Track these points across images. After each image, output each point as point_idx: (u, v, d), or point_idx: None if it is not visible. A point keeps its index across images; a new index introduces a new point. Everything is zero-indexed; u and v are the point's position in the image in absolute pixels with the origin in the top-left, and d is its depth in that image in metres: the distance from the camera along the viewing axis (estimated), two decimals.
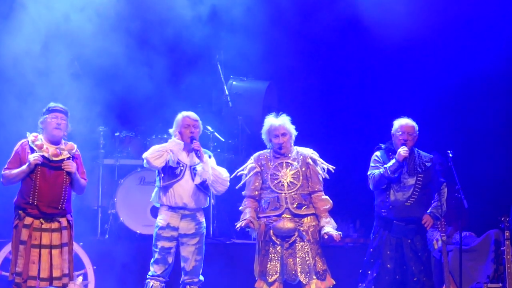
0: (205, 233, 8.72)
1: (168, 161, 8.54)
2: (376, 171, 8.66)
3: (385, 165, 8.63)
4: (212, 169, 8.58)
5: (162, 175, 8.60)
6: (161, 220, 8.61)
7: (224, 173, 8.69)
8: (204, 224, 8.71)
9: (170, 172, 8.58)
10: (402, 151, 8.56)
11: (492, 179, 11.49)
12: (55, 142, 8.23)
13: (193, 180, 8.57)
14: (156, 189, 8.71)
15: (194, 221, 8.63)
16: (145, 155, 8.59)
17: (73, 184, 8.28)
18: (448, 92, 11.71)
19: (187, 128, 8.63)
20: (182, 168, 8.60)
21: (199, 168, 8.57)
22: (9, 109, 10.40)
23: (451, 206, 9.39)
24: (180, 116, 8.72)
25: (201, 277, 8.67)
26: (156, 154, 8.52)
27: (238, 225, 8.48)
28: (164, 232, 8.57)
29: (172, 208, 8.59)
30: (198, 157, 8.55)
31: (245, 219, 8.42)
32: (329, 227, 8.38)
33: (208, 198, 8.73)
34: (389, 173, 8.57)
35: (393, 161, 8.59)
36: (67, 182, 8.23)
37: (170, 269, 8.60)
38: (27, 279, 8.09)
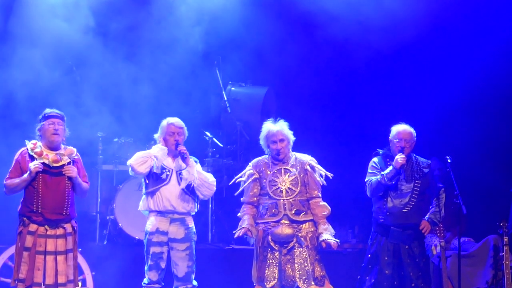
0: (195, 238, 8.72)
1: (153, 167, 8.56)
2: (374, 178, 8.66)
3: (382, 172, 8.63)
4: (198, 173, 8.60)
5: (147, 181, 8.62)
6: (149, 225, 8.63)
7: (210, 177, 8.71)
8: (194, 230, 8.72)
9: (156, 178, 8.59)
10: (400, 158, 8.56)
11: (491, 185, 11.48)
12: (54, 148, 8.24)
13: (179, 184, 8.58)
14: (143, 197, 8.73)
15: (183, 225, 8.64)
16: (129, 162, 8.61)
17: (75, 188, 8.30)
18: (447, 97, 11.70)
19: (172, 136, 8.64)
20: (168, 173, 8.61)
21: (184, 172, 8.58)
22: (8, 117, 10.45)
23: (449, 212, 9.39)
24: (165, 122, 8.72)
25: (195, 282, 8.67)
26: (140, 160, 8.54)
27: (236, 234, 8.47)
28: (153, 237, 8.59)
29: (161, 213, 8.60)
30: (184, 159, 8.56)
31: (242, 227, 8.41)
32: (327, 235, 8.37)
33: (196, 203, 8.74)
34: (386, 180, 8.57)
35: (390, 168, 8.59)
36: (69, 187, 8.25)
37: (163, 274, 8.62)
38: (32, 286, 8.10)
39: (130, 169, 8.60)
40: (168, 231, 8.60)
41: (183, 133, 8.69)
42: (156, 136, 8.74)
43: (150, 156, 8.57)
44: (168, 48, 11.20)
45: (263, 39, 11.40)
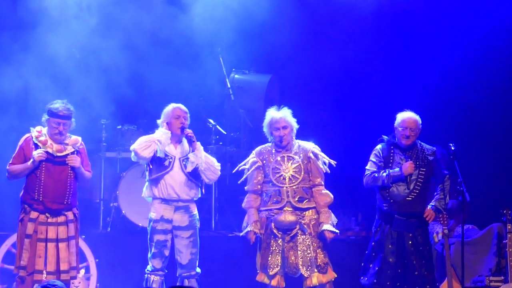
0: (198, 225, 8.75)
1: (156, 151, 8.54)
2: (376, 175, 8.58)
3: (388, 171, 8.54)
4: (205, 157, 8.60)
5: (151, 166, 8.61)
6: (154, 213, 8.63)
7: (216, 161, 8.71)
8: (197, 217, 8.75)
9: (159, 164, 8.58)
10: (410, 167, 8.51)
11: (495, 172, 11.47)
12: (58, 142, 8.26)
13: (183, 171, 8.59)
14: (146, 183, 8.73)
15: (187, 213, 8.65)
16: (132, 147, 8.60)
17: (78, 178, 8.31)
18: (451, 84, 11.67)
19: (178, 119, 8.63)
20: (170, 160, 8.61)
21: (191, 155, 8.57)
22: (9, 102, 10.45)
23: (453, 199, 9.38)
24: (170, 107, 8.71)
25: (198, 269, 8.69)
26: (143, 145, 8.53)
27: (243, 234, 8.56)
28: (158, 225, 8.60)
29: (165, 201, 8.61)
30: (192, 142, 8.56)
31: (247, 231, 8.45)
32: (327, 225, 8.38)
33: (199, 189, 8.74)
34: (389, 181, 8.54)
35: (397, 170, 8.53)
36: (72, 177, 8.26)
37: (167, 261, 8.64)
38: (33, 273, 8.11)
39: (133, 154, 8.60)
40: (173, 219, 8.61)
41: (188, 118, 8.70)
42: (159, 121, 8.72)
43: (154, 141, 8.56)
44: (171, 36, 11.17)
45: (266, 26, 11.36)
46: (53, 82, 10.49)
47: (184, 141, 8.73)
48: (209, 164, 8.64)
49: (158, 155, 8.56)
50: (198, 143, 8.64)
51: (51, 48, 10.54)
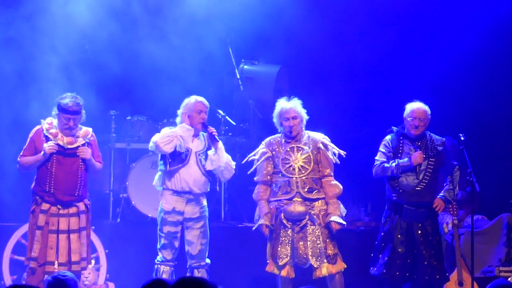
0: (208, 216, 8.76)
1: (176, 146, 8.54)
2: (386, 165, 8.59)
3: (398, 161, 8.54)
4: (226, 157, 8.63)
5: (170, 160, 8.59)
6: (166, 205, 8.64)
7: (231, 160, 8.75)
8: (207, 207, 8.76)
9: (176, 157, 8.58)
10: (419, 157, 8.51)
11: (505, 162, 11.45)
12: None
13: (198, 165, 8.59)
14: (159, 173, 8.73)
15: (198, 205, 8.67)
16: (154, 138, 8.56)
17: (88, 169, 8.32)
18: (461, 74, 11.65)
19: (200, 114, 8.61)
20: (187, 153, 8.60)
21: (211, 153, 8.57)
22: (17, 94, 10.45)
23: (463, 190, 9.37)
24: (193, 99, 8.68)
25: (208, 260, 8.71)
26: (166, 140, 8.50)
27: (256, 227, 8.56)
28: (169, 216, 8.60)
29: (178, 193, 8.61)
30: (215, 142, 8.56)
31: (260, 224, 8.45)
32: (335, 216, 8.37)
33: (209, 183, 8.76)
34: (398, 171, 8.54)
35: (406, 160, 8.53)
36: (83, 169, 8.27)
37: (177, 253, 8.66)
38: (45, 264, 8.13)
39: (153, 145, 8.55)
40: (185, 211, 8.62)
41: (207, 112, 8.69)
42: (179, 111, 8.70)
43: (176, 136, 8.53)
44: (179, 26, 11.16)
45: (275, 17, 11.35)
46: (53, 53, 10.48)
47: (201, 135, 8.73)
48: (227, 164, 8.66)
49: (177, 149, 8.55)
50: (220, 143, 8.64)
51: (49, 22, 10.51)
